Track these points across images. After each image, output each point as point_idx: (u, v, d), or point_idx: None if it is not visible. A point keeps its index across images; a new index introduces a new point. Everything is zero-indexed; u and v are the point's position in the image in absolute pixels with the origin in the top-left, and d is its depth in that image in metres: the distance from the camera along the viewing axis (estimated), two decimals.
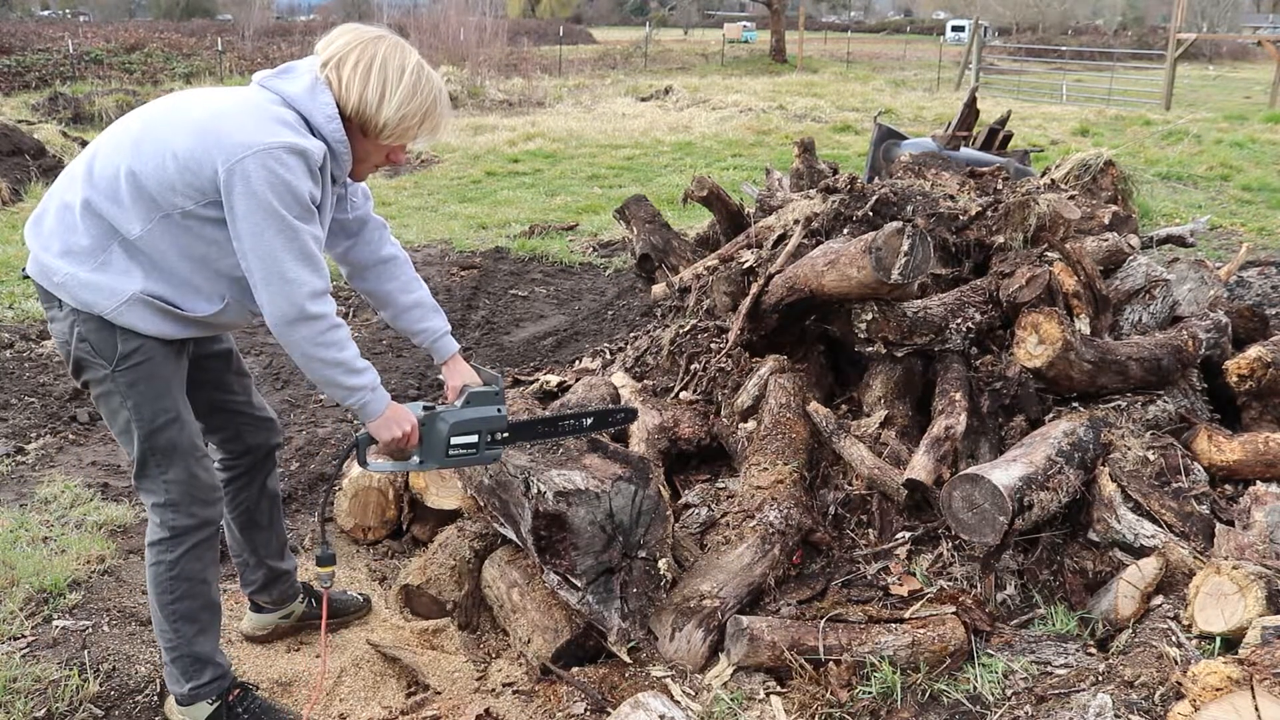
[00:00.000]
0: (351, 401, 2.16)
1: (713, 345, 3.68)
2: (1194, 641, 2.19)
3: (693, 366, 3.68)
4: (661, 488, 2.63)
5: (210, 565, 2.32)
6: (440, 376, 2.59)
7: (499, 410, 2.36)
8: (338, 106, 2.04)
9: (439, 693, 2.57)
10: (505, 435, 2.40)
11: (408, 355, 5.26)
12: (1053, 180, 4.30)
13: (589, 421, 2.63)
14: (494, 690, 2.57)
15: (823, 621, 2.45)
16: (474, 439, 2.33)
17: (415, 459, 2.33)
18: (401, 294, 2.47)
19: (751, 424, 3.28)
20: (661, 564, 2.58)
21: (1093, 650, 2.39)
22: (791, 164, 5.47)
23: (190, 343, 2.24)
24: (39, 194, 9.05)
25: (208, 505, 2.26)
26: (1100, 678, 2.14)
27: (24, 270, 2.15)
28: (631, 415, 2.77)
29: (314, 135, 2.02)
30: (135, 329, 2.07)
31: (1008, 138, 6.25)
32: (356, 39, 2.05)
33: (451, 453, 2.32)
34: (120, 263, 2.02)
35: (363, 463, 2.33)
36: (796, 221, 3.73)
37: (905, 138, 6.09)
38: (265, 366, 4.98)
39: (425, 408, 2.32)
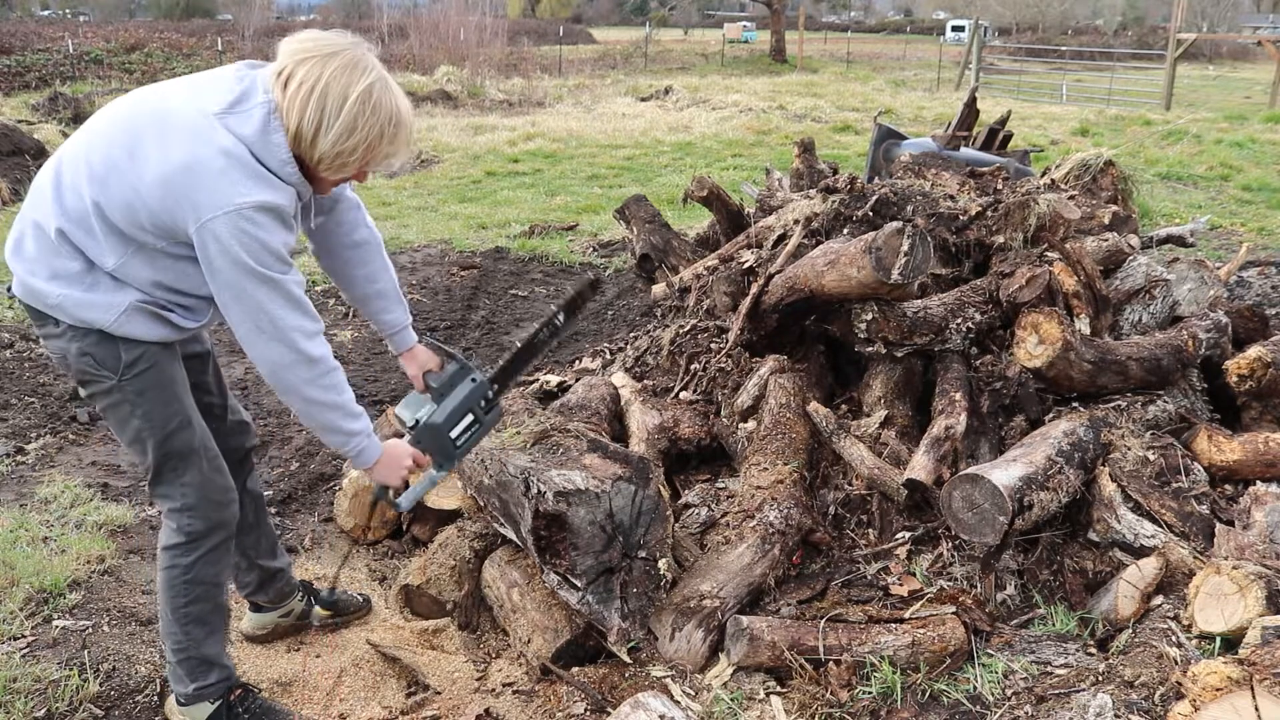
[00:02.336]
0: (349, 448, 2.13)
1: (713, 345, 3.68)
2: (1194, 641, 2.19)
3: (693, 366, 3.68)
4: (661, 488, 2.63)
5: (224, 569, 2.33)
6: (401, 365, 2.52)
7: (474, 379, 2.32)
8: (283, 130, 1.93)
9: (439, 693, 2.57)
10: (495, 390, 2.37)
11: None
12: (1053, 180, 4.30)
13: (561, 318, 2.53)
14: (494, 690, 2.56)
15: (823, 621, 2.45)
16: (470, 418, 2.31)
17: (433, 471, 2.33)
18: (366, 282, 2.39)
19: (751, 424, 3.28)
20: (661, 564, 2.57)
21: (1093, 650, 2.39)
22: (791, 164, 5.47)
23: (178, 345, 2.23)
24: None
25: (223, 507, 2.26)
26: (1100, 678, 2.14)
27: (8, 289, 2.12)
28: (596, 285, 2.63)
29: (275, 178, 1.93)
30: (137, 337, 2.06)
31: (1008, 138, 6.25)
32: (309, 51, 1.92)
33: (459, 444, 2.31)
34: (109, 282, 2.01)
35: (396, 506, 2.32)
36: (796, 221, 3.73)
37: (905, 138, 6.09)
38: None
39: (410, 427, 2.30)
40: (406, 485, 2.32)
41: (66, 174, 1.98)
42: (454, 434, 2.30)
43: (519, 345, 2.49)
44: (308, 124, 1.90)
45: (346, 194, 2.31)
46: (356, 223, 2.34)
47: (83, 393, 2.17)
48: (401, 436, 2.32)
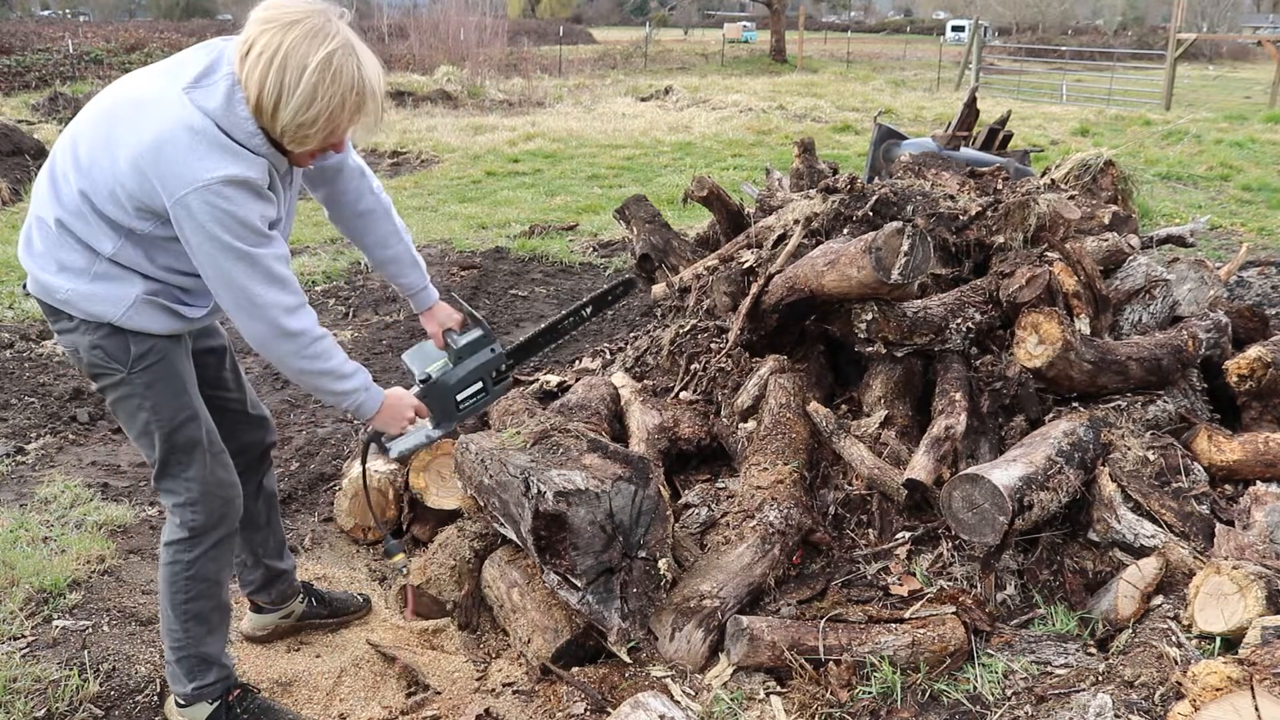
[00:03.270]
0: (346, 405, 2.17)
1: (713, 345, 3.68)
2: (1194, 641, 2.19)
3: (693, 366, 3.68)
4: (661, 488, 2.63)
5: (226, 567, 2.33)
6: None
7: (493, 350, 2.35)
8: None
9: (439, 693, 2.57)
10: (509, 363, 2.40)
11: None
12: (1053, 180, 4.30)
13: (588, 310, 2.57)
14: (494, 690, 2.57)
15: (823, 621, 2.45)
16: (479, 384, 2.34)
17: (429, 427, 2.35)
18: (378, 247, 2.41)
19: (751, 424, 3.28)
20: (661, 564, 2.57)
21: (1093, 650, 2.39)
22: (791, 164, 5.47)
23: (188, 340, 2.25)
24: None
25: (226, 503, 2.27)
26: (1100, 678, 2.14)
27: (24, 286, 2.16)
28: (630, 285, 2.66)
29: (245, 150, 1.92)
30: (145, 330, 2.08)
31: (1008, 138, 6.25)
32: (269, 20, 1.87)
33: (463, 407, 2.33)
34: (113, 272, 2.03)
35: (385, 451, 2.34)
36: (796, 221, 3.73)
37: (905, 138, 6.08)
38: (265, 366, 4.98)
39: (421, 380, 2.31)
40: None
41: (59, 166, 2.01)
42: (460, 397, 2.32)
43: (543, 326, 2.52)
44: (267, 95, 1.86)
45: (349, 163, 2.30)
46: (361, 191, 2.33)
47: (93, 386, 2.20)
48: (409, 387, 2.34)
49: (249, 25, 1.90)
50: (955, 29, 48.11)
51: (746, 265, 3.74)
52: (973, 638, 2.42)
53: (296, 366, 2.06)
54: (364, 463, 2.55)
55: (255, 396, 2.56)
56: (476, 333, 2.35)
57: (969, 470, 2.60)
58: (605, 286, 2.63)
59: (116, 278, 2.03)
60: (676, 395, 3.61)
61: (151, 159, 1.87)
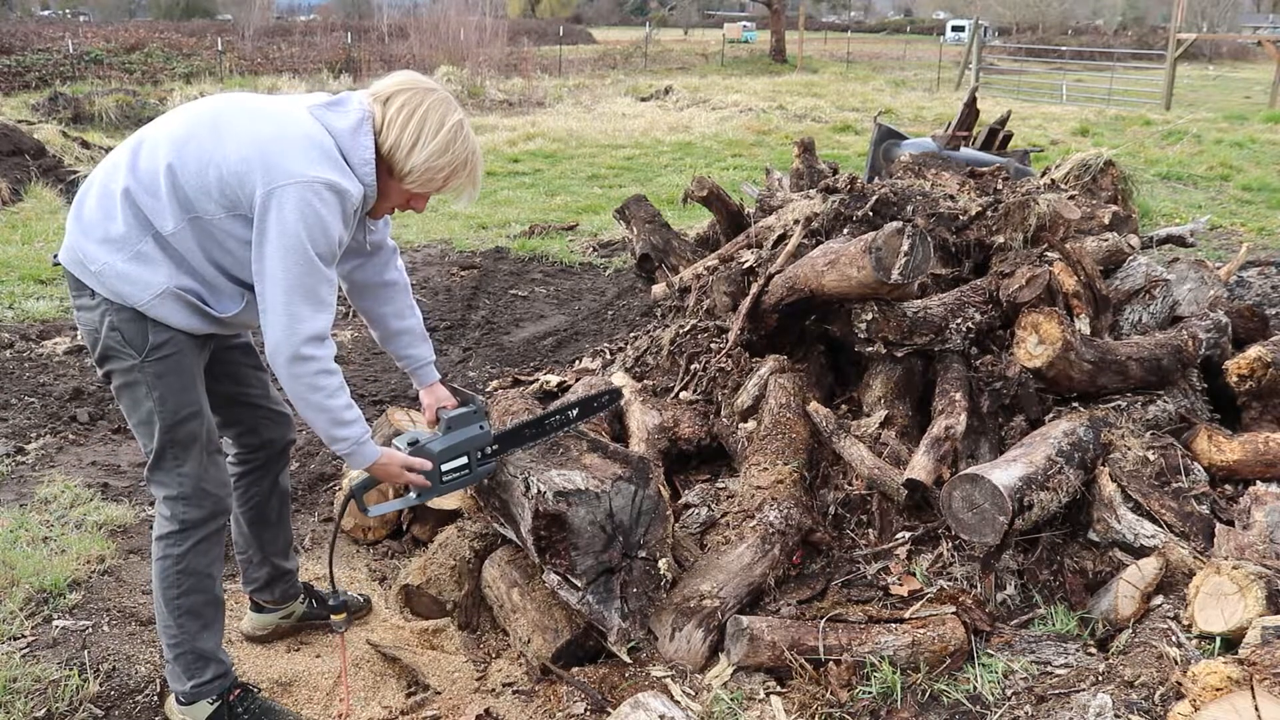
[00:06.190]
0: (337, 449, 2.20)
1: (713, 345, 3.68)
2: (1194, 641, 2.19)
3: (693, 366, 3.67)
4: (661, 488, 2.63)
5: (216, 561, 2.34)
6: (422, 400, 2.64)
7: (482, 428, 2.42)
8: (375, 142, 2.09)
9: (439, 693, 2.57)
10: (494, 447, 2.46)
11: None
12: (1053, 180, 4.30)
13: (574, 413, 2.65)
14: (494, 690, 2.57)
15: (823, 621, 2.45)
16: (464, 460, 2.40)
17: (412, 494, 2.40)
18: (393, 319, 2.51)
19: (751, 424, 3.28)
20: (661, 564, 2.58)
21: (1093, 650, 2.39)
22: (791, 164, 5.47)
23: (212, 337, 2.27)
24: (39, 194, 9.04)
25: (218, 500, 2.29)
26: (1100, 678, 2.14)
27: (54, 256, 2.17)
28: (616, 396, 2.76)
29: (352, 174, 2.07)
30: (167, 322, 2.10)
31: (1008, 138, 6.26)
32: (409, 83, 2.14)
33: (445, 479, 2.38)
34: (154, 255, 2.05)
35: (364, 510, 2.40)
36: (796, 221, 3.73)
37: (905, 138, 6.10)
38: None
39: (410, 443, 2.36)
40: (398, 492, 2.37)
41: (147, 142, 2.07)
42: (445, 467, 2.38)
43: (528, 419, 2.62)
44: (407, 137, 2.09)
45: (387, 243, 2.47)
46: (388, 264, 2.48)
47: (100, 370, 2.20)
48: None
49: (385, 84, 2.15)
50: (955, 29, 48.12)
51: (746, 265, 3.74)
52: (973, 638, 2.42)
53: (299, 393, 2.09)
54: (338, 521, 2.58)
55: (277, 393, 2.58)
56: (468, 409, 2.43)
57: (969, 470, 2.60)
58: (593, 393, 2.74)
59: (155, 262, 2.05)
60: (676, 395, 3.61)
61: (263, 148, 1.97)
